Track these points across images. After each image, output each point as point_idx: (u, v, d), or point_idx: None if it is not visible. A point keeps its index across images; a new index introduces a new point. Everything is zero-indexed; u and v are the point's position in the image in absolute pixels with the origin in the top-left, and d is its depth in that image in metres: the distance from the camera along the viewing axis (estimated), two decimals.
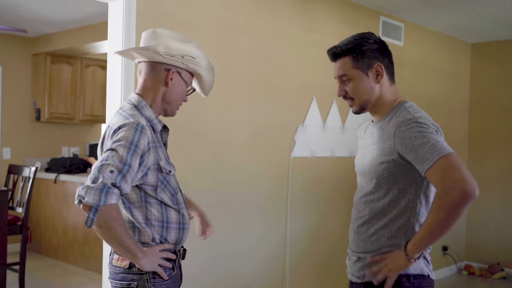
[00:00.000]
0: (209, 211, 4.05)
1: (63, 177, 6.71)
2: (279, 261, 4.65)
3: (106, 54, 4.36)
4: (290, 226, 4.72)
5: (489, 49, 7.10)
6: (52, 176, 6.84)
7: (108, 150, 2.02)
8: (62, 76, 7.63)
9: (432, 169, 2.00)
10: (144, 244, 2.15)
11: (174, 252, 2.24)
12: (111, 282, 2.21)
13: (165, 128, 2.30)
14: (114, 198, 1.93)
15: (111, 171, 1.94)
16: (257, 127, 4.44)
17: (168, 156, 2.26)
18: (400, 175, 2.16)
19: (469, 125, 7.23)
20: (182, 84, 2.28)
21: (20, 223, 5.38)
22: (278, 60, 4.59)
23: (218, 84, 4.09)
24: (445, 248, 6.77)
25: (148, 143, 2.09)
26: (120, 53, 2.32)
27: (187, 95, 2.33)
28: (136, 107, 2.21)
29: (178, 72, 2.25)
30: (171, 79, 2.23)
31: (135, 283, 2.13)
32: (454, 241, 6.92)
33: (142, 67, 2.28)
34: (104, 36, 5.16)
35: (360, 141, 2.45)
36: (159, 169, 2.14)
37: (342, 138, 5.18)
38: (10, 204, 5.54)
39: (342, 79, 2.29)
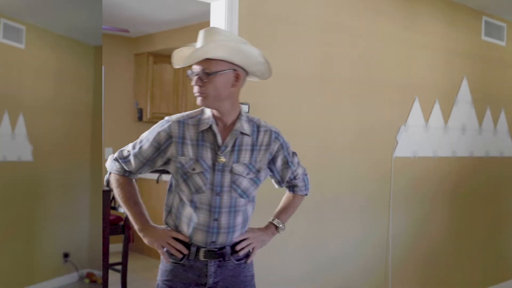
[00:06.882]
0: (310, 212, 4.03)
1: (165, 176, 6.72)
2: (381, 262, 4.65)
3: None
4: (393, 227, 4.70)
5: None
6: (154, 176, 6.87)
7: None
8: (164, 76, 7.64)
9: None
10: (168, 225, 2.38)
11: (187, 247, 2.28)
12: None
13: (211, 128, 2.29)
14: (114, 169, 2.39)
15: (122, 150, 2.38)
16: (360, 127, 4.46)
17: (205, 155, 2.23)
18: None
19: None
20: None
21: (122, 223, 5.44)
22: (379, 60, 4.59)
23: (318, 83, 4.13)
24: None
25: (171, 137, 2.27)
26: None
27: (191, 80, 2.44)
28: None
29: None
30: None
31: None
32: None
33: None
34: None
35: None
36: (180, 163, 2.26)
37: (445, 138, 5.18)
38: (112, 204, 5.60)
39: None
